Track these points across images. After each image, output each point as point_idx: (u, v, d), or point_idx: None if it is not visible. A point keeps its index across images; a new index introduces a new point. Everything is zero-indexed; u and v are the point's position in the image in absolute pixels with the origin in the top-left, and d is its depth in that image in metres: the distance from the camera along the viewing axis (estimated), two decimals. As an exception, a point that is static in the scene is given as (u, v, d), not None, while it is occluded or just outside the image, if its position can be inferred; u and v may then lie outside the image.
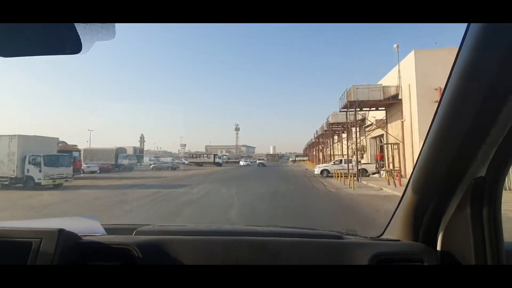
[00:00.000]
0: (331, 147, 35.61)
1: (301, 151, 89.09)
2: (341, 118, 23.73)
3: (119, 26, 0.58)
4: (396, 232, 1.06)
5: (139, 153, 42.49)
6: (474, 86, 0.63)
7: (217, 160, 50.57)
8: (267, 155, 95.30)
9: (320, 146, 46.87)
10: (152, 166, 38.16)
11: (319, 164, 31.01)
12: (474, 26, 0.58)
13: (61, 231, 0.87)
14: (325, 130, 33.14)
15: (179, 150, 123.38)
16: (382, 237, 1.16)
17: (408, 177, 0.98)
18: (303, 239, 1.05)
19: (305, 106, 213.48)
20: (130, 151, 38.73)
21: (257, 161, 51.63)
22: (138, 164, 38.89)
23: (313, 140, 53.06)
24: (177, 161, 60.06)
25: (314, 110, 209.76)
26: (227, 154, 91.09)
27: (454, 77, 0.67)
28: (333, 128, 30.37)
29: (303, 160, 68.31)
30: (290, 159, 75.25)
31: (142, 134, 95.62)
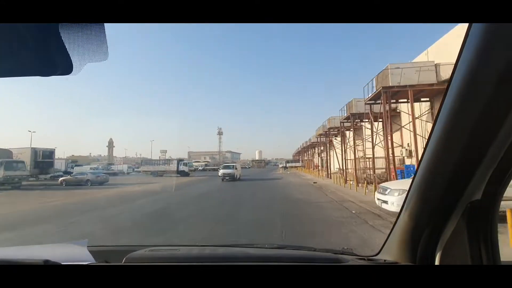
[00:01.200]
0: (333, 151, 27.74)
1: (289, 157, 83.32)
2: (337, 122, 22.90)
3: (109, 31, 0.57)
4: (393, 252, 1.07)
5: (43, 158, 25.89)
6: (471, 103, 0.63)
7: (181, 168, 35.50)
8: (253, 161, 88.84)
9: (316, 149, 41.69)
10: (61, 180, 22.63)
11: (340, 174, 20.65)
12: (477, 26, 0.58)
13: (46, 262, 0.85)
14: (330, 129, 26.00)
15: (159, 157, 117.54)
16: (379, 257, 1.16)
17: None
18: (301, 264, 1.07)
19: (293, 114, 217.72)
20: (26, 155, 24.30)
21: (222, 172, 25.50)
22: (45, 174, 25.89)
23: (307, 144, 47.94)
24: (129, 168, 47.18)
25: (302, 117, 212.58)
26: (209, 160, 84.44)
27: (452, 91, 0.65)
28: (344, 125, 22.29)
29: (295, 167, 59.04)
30: (281, 165, 63.34)
31: (110, 139, 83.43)
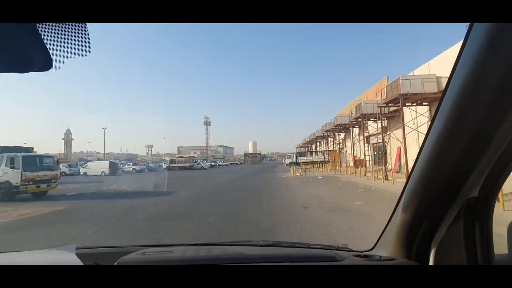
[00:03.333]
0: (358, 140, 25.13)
1: (287, 151, 67.66)
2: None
3: (91, 28, 0.56)
4: (389, 248, 1.07)
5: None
6: (470, 102, 0.62)
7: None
8: (245, 155, 73.51)
9: (337, 138, 33.04)
10: None
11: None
12: (478, 26, 0.58)
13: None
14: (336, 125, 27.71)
15: (146, 153, 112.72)
16: (374, 252, 1.16)
17: None
18: (297, 264, 1.07)
19: (289, 109, 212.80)
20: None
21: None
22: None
23: (323, 131, 36.43)
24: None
25: (299, 112, 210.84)
26: (194, 156, 75.53)
27: (452, 89, 0.65)
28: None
29: (314, 163, 35.13)
30: (288, 160, 41.84)
31: (68, 129, 69.76)
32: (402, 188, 0.94)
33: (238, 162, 75.28)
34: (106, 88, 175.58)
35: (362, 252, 1.18)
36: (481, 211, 0.81)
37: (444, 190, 0.79)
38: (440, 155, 0.74)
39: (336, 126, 30.27)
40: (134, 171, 36.57)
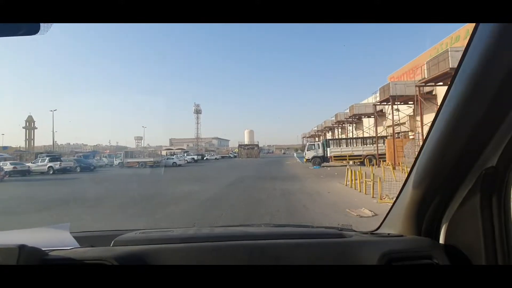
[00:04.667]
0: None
1: (285, 143, 61.10)
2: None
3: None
4: (396, 225, 1.04)
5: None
6: (491, 71, 0.60)
7: None
8: (240, 146, 62.42)
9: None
10: None
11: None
12: (484, 26, 0.58)
13: (22, 248, 0.73)
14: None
15: (136, 145, 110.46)
16: (381, 231, 1.12)
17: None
18: (304, 240, 0.99)
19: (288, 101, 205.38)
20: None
21: None
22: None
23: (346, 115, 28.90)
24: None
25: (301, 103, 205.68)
26: (184, 148, 71.76)
27: (468, 61, 0.64)
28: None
29: (357, 158, 22.09)
30: (309, 153, 24.73)
31: (29, 116, 51.96)
32: None
33: (232, 155, 66.49)
34: (87, 70, 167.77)
35: (369, 231, 1.14)
36: (499, 183, 0.75)
37: (460, 160, 0.75)
38: (456, 124, 0.70)
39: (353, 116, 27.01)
40: (52, 171, 23.13)
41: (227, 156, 66.10)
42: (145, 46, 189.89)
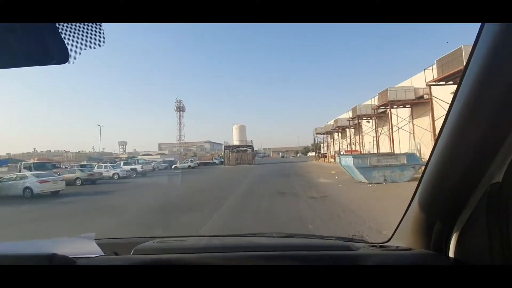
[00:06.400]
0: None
1: (283, 146, 52.65)
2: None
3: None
4: (405, 238, 1.05)
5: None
6: (493, 86, 0.60)
7: None
8: (226, 148, 46.72)
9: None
10: None
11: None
12: (489, 26, 0.58)
13: (53, 256, 0.80)
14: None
15: (120, 151, 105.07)
16: (391, 243, 1.14)
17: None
18: (311, 253, 1.06)
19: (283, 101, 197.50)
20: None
21: None
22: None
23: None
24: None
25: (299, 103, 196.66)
26: (165, 152, 66.33)
27: (469, 77, 0.64)
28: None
29: None
30: (343, 157, 14.67)
31: None
32: None
33: (216, 161, 51.45)
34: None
35: (378, 243, 1.15)
36: (506, 198, 0.74)
37: (465, 176, 0.76)
38: (460, 140, 0.71)
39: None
40: None
41: (210, 163, 50.03)
42: (128, 43, 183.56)
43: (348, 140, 33.76)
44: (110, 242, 1.29)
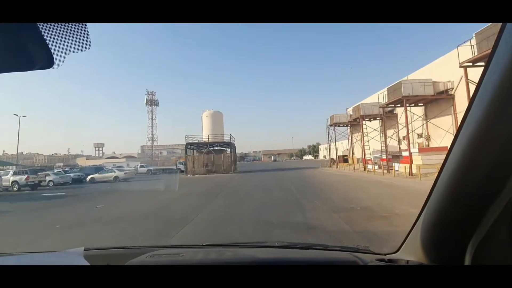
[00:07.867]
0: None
1: (275, 149, 43.54)
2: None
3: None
4: (416, 252, 0.98)
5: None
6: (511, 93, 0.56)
7: None
8: (189, 146, 29.40)
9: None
10: None
11: None
12: (510, 26, 0.56)
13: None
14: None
15: (96, 153, 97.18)
16: (399, 255, 1.10)
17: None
18: (314, 265, 1.02)
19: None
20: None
21: None
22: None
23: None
24: None
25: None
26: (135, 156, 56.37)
27: (489, 77, 0.60)
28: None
29: None
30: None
31: None
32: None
33: (182, 167, 32.25)
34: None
35: (385, 255, 1.11)
36: None
37: (483, 188, 0.70)
38: (480, 146, 0.66)
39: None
40: None
41: (169, 170, 35.46)
42: (113, 40, 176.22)
43: (399, 132, 21.00)
44: (101, 254, 1.29)
